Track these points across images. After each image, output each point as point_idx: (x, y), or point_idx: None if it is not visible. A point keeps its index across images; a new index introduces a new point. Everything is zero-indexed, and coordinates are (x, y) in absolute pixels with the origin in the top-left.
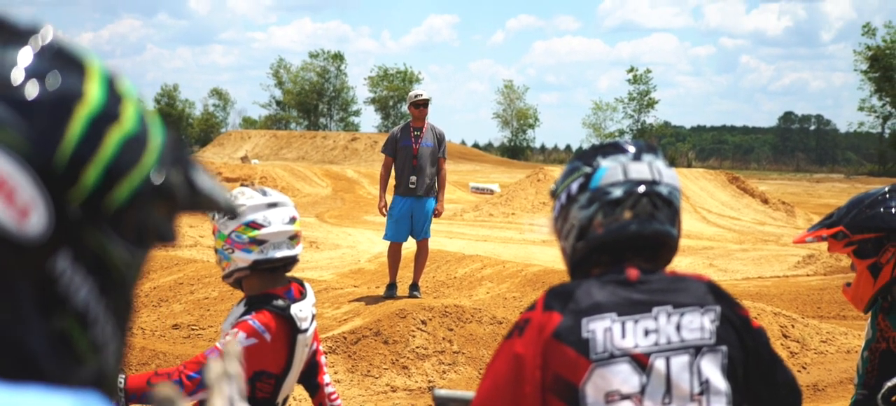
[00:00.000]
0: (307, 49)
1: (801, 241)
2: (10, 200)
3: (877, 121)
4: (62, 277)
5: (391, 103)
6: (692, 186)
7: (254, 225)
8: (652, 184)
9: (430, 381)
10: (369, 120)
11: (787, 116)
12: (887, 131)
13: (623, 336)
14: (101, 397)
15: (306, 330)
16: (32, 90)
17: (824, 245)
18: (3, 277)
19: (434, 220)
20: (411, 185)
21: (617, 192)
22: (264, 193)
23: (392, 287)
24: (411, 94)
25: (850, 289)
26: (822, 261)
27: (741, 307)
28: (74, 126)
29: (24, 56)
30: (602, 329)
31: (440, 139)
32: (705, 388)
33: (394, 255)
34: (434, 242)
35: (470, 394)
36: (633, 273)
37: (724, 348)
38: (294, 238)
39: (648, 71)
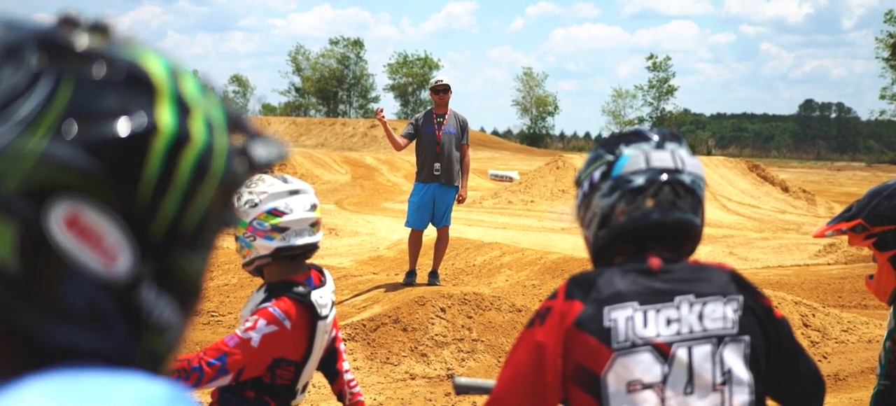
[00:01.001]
0: (327, 36)
1: (820, 234)
2: (97, 246)
3: None
4: (148, 304)
5: (410, 90)
6: (712, 174)
7: (276, 212)
8: (674, 172)
9: (448, 369)
10: (389, 107)
11: (808, 104)
12: None
13: (645, 325)
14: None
15: (326, 317)
16: (108, 131)
17: (845, 236)
18: (98, 314)
19: (454, 206)
20: (435, 172)
21: (639, 181)
22: (285, 181)
23: (411, 274)
24: (433, 80)
25: (872, 282)
26: (842, 250)
27: (764, 297)
28: (152, 163)
29: (95, 89)
30: (624, 318)
31: (463, 126)
32: (728, 378)
33: (414, 243)
34: (453, 230)
35: (490, 382)
36: (655, 262)
37: (746, 338)
38: (315, 225)
39: (668, 58)
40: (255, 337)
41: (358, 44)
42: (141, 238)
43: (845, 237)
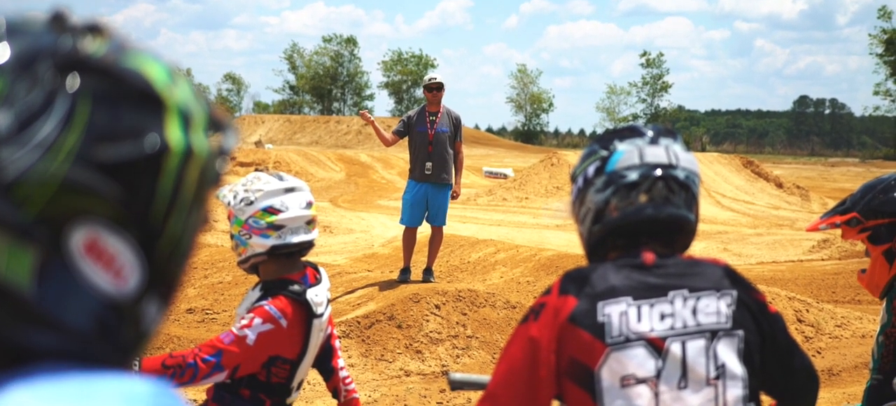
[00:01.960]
0: (320, 33)
1: (814, 228)
2: (111, 267)
3: (892, 105)
4: (149, 316)
5: (405, 87)
6: (706, 171)
7: (271, 210)
8: (668, 168)
9: (443, 366)
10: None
11: (802, 100)
12: None
13: (639, 320)
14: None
15: (322, 315)
16: (126, 153)
17: (839, 230)
18: (105, 331)
19: (449, 203)
20: (427, 172)
21: (632, 176)
22: (281, 178)
23: (406, 271)
24: (426, 78)
25: (865, 275)
26: (836, 245)
27: (758, 292)
28: (165, 182)
29: (110, 108)
30: (618, 313)
31: (456, 123)
32: (721, 372)
33: (408, 240)
34: (448, 227)
35: (485, 378)
36: (648, 257)
37: (740, 333)
38: (310, 223)
39: (661, 55)
40: (250, 335)
41: (352, 41)
42: (150, 256)
43: (839, 232)
